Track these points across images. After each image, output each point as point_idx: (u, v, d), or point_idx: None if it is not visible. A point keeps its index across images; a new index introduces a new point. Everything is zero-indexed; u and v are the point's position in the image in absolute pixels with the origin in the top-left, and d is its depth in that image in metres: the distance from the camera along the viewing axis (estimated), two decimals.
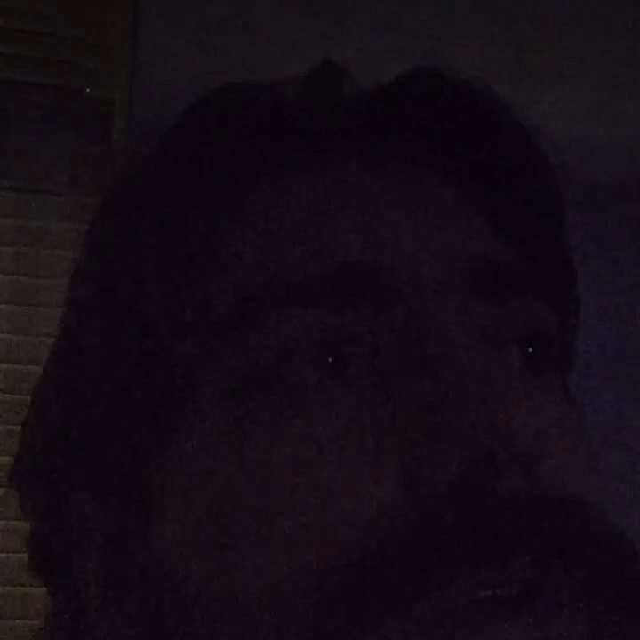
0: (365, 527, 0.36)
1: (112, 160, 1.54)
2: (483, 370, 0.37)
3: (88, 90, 1.58)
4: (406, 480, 0.36)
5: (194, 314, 0.40)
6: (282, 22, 1.51)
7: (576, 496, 0.37)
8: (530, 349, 0.41)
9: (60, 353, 0.45)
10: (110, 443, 0.41)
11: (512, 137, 0.44)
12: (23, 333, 1.55)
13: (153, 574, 0.40)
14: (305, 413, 0.38)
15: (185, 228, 0.41)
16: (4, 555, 1.46)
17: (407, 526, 0.35)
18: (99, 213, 0.46)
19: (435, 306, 0.39)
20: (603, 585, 0.36)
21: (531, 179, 0.45)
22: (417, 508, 0.35)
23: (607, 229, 1.58)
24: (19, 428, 0.46)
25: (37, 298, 1.56)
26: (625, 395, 1.60)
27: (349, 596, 0.35)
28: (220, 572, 0.38)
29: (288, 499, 0.37)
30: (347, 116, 0.43)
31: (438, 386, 0.37)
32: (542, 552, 0.35)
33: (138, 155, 0.45)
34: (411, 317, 0.39)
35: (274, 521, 0.37)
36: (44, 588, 0.45)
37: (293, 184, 0.42)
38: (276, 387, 0.38)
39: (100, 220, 0.45)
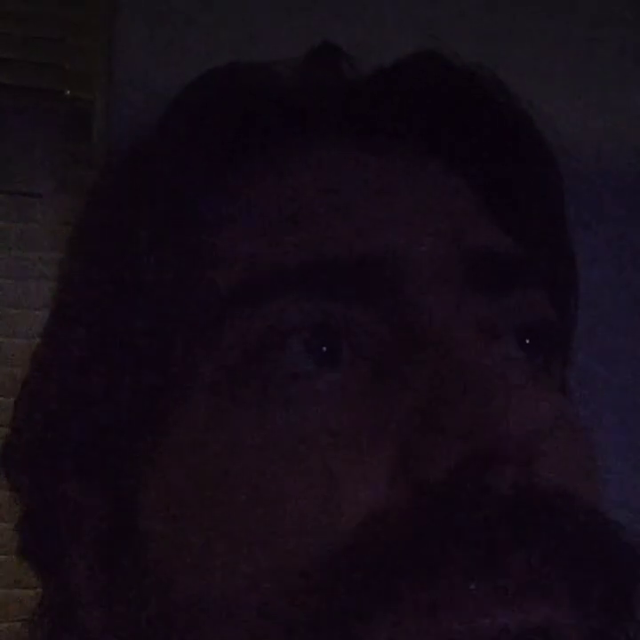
0: (356, 519, 0.35)
1: (93, 161, 1.54)
2: (479, 362, 0.37)
3: (68, 91, 1.57)
4: (399, 473, 0.36)
5: (189, 299, 0.40)
6: (266, 22, 1.50)
7: (572, 492, 0.36)
8: (527, 340, 0.41)
9: (50, 339, 0.45)
10: (101, 429, 0.41)
11: (515, 124, 0.43)
12: (8, 336, 1.55)
13: (142, 562, 0.40)
14: (298, 402, 0.38)
15: (181, 212, 0.41)
16: None
17: (399, 520, 0.35)
18: (92, 197, 0.45)
19: (431, 297, 0.39)
20: (597, 581, 0.35)
21: (533, 168, 0.44)
22: (409, 501, 0.35)
23: (608, 221, 1.58)
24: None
25: (20, 300, 1.56)
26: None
27: (339, 587, 0.35)
28: (208, 561, 0.37)
29: (279, 487, 0.37)
30: (346, 100, 0.43)
31: (433, 378, 0.37)
32: (536, 548, 0.34)
33: (131, 139, 0.44)
34: (407, 308, 0.39)
35: (264, 510, 0.37)
36: (30, 591, 0.45)
37: (291, 170, 0.41)
38: (270, 374, 0.38)
39: (93, 203, 0.45)
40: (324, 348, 0.38)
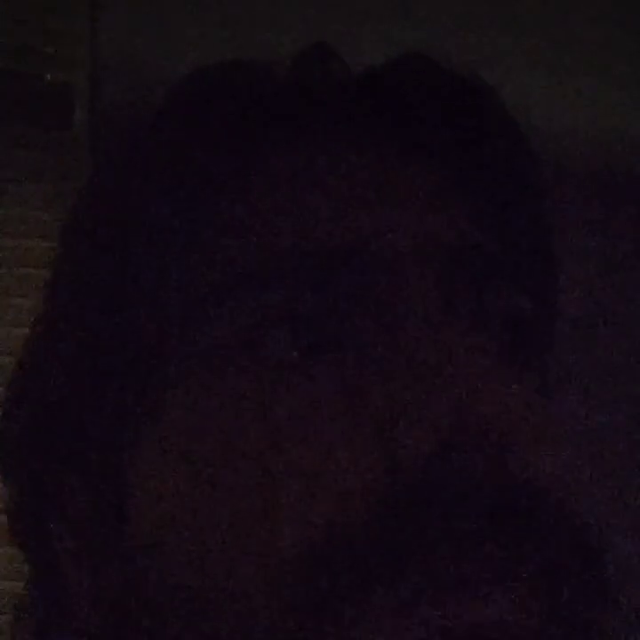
0: (337, 507, 0.36)
1: (74, 147, 1.53)
2: (456, 354, 0.38)
3: (48, 76, 1.56)
4: (377, 461, 0.37)
5: (176, 287, 0.41)
6: (251, 10, 1.49)
7: (542, 482, 0.37)
8: (505, 334, 0.42)
9: (42, 325, 0.45)
10: (89, 417, 0.42)
11: (497, 125, 0.45)
12: None
13: (130, 548, 0.40)
14: (282, 390, 0.38)
15: (173, 204, 0.42)
16: None
17: (377, 507, 0.36)
18: (87, 188, 0.46)
19: (411, 288, 0.40)
20: (562, 572, 0.36)
21: (514, 167, 0.45)
22: (387, 489, 0.36)
23: (588, 216, 1.60)
24: None
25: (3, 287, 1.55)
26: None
27: (322, 574, 0.35)
28: (195, 547, 0.38)
29: (262, 476, 0.37)
30: (335, 98, 0.44)
31: (411, 369, 0.38)
32: (505, 535, 0.35)
33: (124, 132, 0.46)
34: (388, 299, 0.40)
35: (248, 497, 0.37)
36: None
37: (280, 165, 0.43)
38: (255, 363, 0.39)
39: (88, 193, 0.46)
40: (308, 338, 0.39)
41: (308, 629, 0.35)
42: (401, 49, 0.45)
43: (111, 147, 0.47)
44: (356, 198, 0.42)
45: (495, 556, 0.35)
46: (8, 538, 0.45)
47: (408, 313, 0.39)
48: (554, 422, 0.41)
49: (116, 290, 0.42)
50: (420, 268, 0.40)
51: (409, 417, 0.37)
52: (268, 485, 0.37)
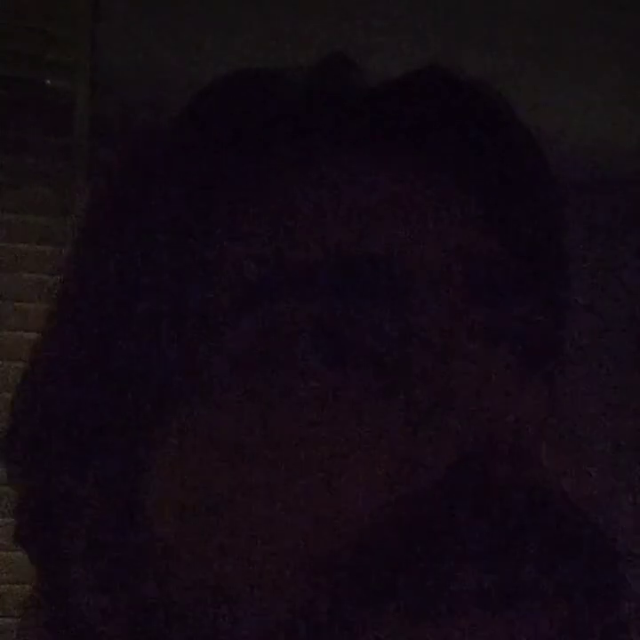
0: (357, 516, 0.36)
1: (73, 152, 1.53)
2: (477, 364, 0.38)
3: (48, 81, 1.56)
4: (399, 471, 0.37)
5: (200, 297, 0.41)
6: (252, 13, 1.49)
7: (564, 491, 0.37)
8: (524, 346, 0.42)
9: (53, 330, 0.45)
10: (102, 419, 0.42)
11: (514, 140, 0.45)
12: None
13: (140, 551, 0.40)
14: (302, 400, 0.39)
15: (194, 213, 0.42)
16: None
17: (397, 516, 0.36)
18: (103, 195, 0.46)
19: (433, 300, 0.40)
20: (582, 584, 0.36)
21: (530, 181, 0.46)
22: (408, 499, 0.36)
23: (602, 228, 1.60)
24: None
25: (6, 292, 1.56)
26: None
27: (338, 585, 0.35)
28: (209, 551, 0.38)
29: (279, 482, 0.37)
30: (354, 108, 0.44)
31: (433, 380, 0.38)
32: (528, 546, 0.35)
33: (139, 141, 0.46)
34: (410, 310, 0.40)
35: (263, 504, 0.37)
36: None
37: (301, 175, 0.43)
38: (276, 371, 0.39)
39: (104, 202, 0.46)
40: (330, 347, 0.39)
41: (319, 635, 0.35)
42: (417, 61, 0.45)
43: (120, 153, 0.47)
44: (381, 209, 0.42)
45: (515, 568, 0.35)
46: (14, 541, 0.45)
47: (432, 325, 0.40)
48: (573, 431, 0.41)
49: (131, 300, 0.42)
50: (444, 280, 0.41)
51: (430, 427, 0.37)
52: (285, 497, 0.37)
